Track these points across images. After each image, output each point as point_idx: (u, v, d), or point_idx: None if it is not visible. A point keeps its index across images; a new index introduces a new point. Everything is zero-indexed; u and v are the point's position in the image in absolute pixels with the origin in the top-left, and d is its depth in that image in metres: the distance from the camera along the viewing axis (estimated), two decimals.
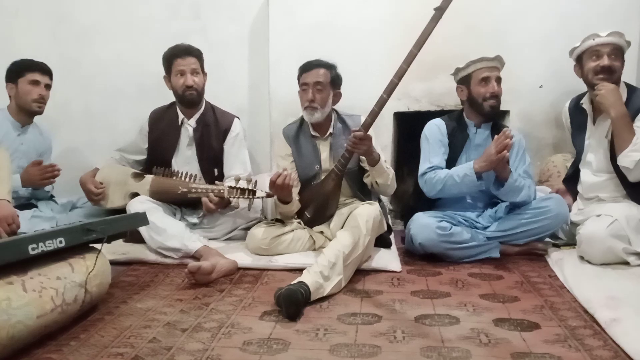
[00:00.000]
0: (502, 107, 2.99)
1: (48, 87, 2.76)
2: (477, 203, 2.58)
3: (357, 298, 1.95)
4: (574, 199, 2.59)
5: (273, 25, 3.11)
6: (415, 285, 2.10)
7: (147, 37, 3.33)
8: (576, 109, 2.59)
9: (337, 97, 2.56)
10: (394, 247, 2.53)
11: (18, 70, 2.70)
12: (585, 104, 2.51)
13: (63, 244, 1.62)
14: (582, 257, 2.26)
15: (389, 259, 2.36)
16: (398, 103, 3.05)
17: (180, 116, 2.75)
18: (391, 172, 2.44)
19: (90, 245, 1.83)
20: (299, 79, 2.53)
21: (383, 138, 3.01)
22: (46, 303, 1.50)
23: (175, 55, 2.64)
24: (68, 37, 3.42)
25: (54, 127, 3.02)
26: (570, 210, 2.50)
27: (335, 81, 2.51)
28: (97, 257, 1.76)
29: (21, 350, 1.45)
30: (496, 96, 2.48)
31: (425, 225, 2.39)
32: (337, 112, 2.61)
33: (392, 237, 2.59)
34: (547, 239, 2.53)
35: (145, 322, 1.71)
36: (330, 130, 2.56)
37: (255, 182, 2.35)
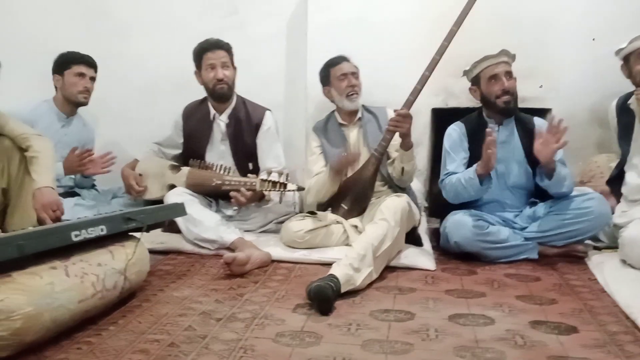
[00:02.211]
0: (543, 105, 2.94)
1: (93, 79, 2.84)
2: (515, 203, 2.53)
3: (390, 295, 1.94)
4: (618, 201, 2.51)
5: (311, 20, 3.11)
6: (450, 284, 2.07)
7: (184, 33, 3.37)
8: (623, 109, 2.51)
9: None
10: (428, 245, 2.51)
11: (65, 62, 2.78)
12: (633, 104, 2.42)
13: (104, 232, 1.68)
14: (624, 261, 2.19)
15: (423, 256, 2.34)
16: (436, 99, 3.02)
17: (212, 112, 2.78)
18: (415, 163, 2.50)
19: (130, 233, 1.88)
20: (328, 75, 2.65)
21: (420, 134, 2.98)
22: (87, 288, 1.55)
23: (205, 49, 2.66)
24: (106, 33, 3.49)
25: (93, 121, 3.10)
26: (613, 212, 2.42)
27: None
28: (136, 245, 1.81)
29: (63, 333, 1.50)
30: (508, 91, 2.43)
31: (461, 224, 2.35)
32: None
33: (426, 234, 2.56)
34: (588, 241, 2.46)
35: (181, 310, 1.74)
36: (358, 115, 2.64)
37: (287, 175, 2.37)
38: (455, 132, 2.55)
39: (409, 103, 2.37)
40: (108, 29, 3.49)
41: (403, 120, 2.31)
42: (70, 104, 2.83)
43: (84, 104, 2.84)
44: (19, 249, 1.39)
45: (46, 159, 2.12)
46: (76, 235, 1.57)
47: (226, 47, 2.69)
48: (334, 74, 2.64)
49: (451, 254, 2.42)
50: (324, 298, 1.74)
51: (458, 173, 2.43)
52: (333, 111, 2.77)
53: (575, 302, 1.88)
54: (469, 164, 2.45)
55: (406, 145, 2.39)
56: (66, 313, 1.47)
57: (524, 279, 2.16)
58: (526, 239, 2.40)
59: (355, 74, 2.63)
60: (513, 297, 1.92)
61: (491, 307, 1.82)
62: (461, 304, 1.86)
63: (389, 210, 2.18)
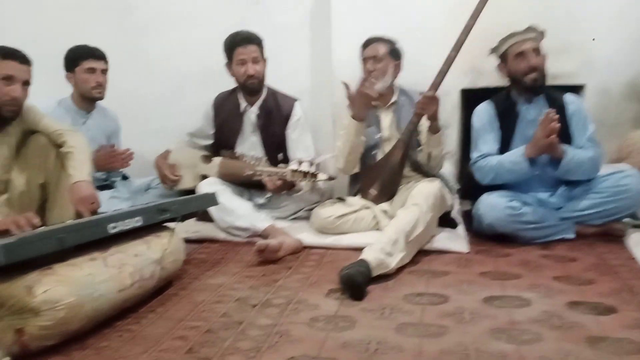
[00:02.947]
0: (577, 82, 2.85)
1: (104, 71, 2.79)
2: (548, 182, 2.47)
3: (423, 278, 1.93)
4: None
5: (335, 6, 3.09)
6: (484, 267, 2.05)
7: (209, 24, 3.38)
8: None
9: (397, 68, 2.59)
10: (460, 227, 2.49)
11: (74, 59, 2.74)
12: None
13: (140, 223, 1.72)
14: None
15: (455, 239, 2.32)
16: (465, 79, 2.97)
17: (243, 104, 2.80)
18: (444, 148, 2.45)
19: (165, 224, 1.92)
20: (361, 56, 2.58)
21: (449, 115, 2.94)
22: (125, 278, 1.59)
23: (236, 44, 2.67)
24: (134, 26, 3.53)
25: (125, 115, 3.14)
26: None
27: (395, 53, 2.57)
28: (171, 235, 1.85)
29: (104, 322, 1.55)
30: (535, 69, 2.37)
31: (494, 205, 2.32)
32: (399, 85, 2.63)
33: (458, 217, 2.54)
34: (626, 219, 2.39)
35: (217, 297, 1.78)
36: (393, 99, 2.58)
37: (318, 165, 2.38)
38: (484, 111, 2.51)
39: (436, 85, 2.34)
40: (134, 23, 3.53)
41: (429, 102, 2.28)
42: (87, 100, 2.81)
43: (100, 98, 2.81)
44: (59, 242, 1.44)
45: (81, 153, 2.17)
46: (113, 227, 1.62)
47: (257, 41, 2.69)
48: (362, 55, 2.59)
49: (484, 236, 2.39)
50: (355, 285, 1.75)
51: (494, 154, 2.39)
52: None
53: (614, 281, 1.84)
54: (502, 144, 2.41)
55: (434, 128, 2.36)
56: (106, 302, 1.51)
57: (560, 259, 2.12)
58: (562, 218, 2.36)
59: (376, 58, 2.51)
60: (549, 278, 1.89)
61: (527, 289, 1.79)
62: (496, 286, 1.84)
63: (421, 195, 2.16)
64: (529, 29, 2.40)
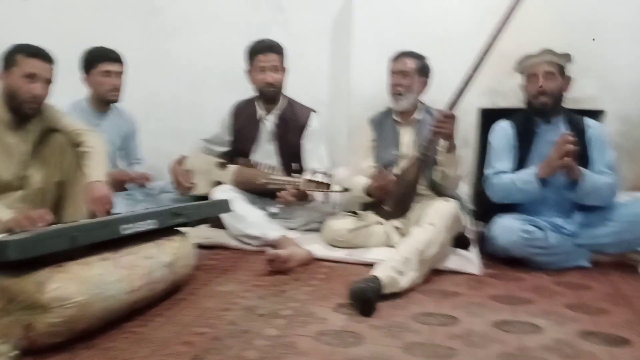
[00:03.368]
0: (597, 107, 2.83)
1: (120, 74, 2.79)
2: (565, 207, 2.44)
3: (433, 298, 1.91)
4: None
5: (357, 17, 3.10)
6: (495, 290, 2.02)
7: (231, 29, 3.43)
8: None
9: (423, 85, 2.58)
10: (473, 248, 2.46)
11: (90, 62, 2.75)
12: None
13: (153, 226, 1.72)
14: None
15: (468, 260, 2.30)
16: (484, 99, 2.96)
17: (260, 111, 2.81)
18: (460, 169, 2.43)
19: (177, 228, 1.92)
20: (388, 69, 2.58)
21: (466, 135, 2.92)
22: (135, 280, 1.59)
23: (257, 51, 2.69)
24: (158, 30, 3.58)
25: (144, 117, 3.17)
26: None
27: (423, 70, 2.56)
28: (183, 240, 1.85)
29: (112, 323, 1.55)
30: (545, 92, 2.36)
31: (508, 228, 2.29)
32: (424, 103, 2.62)
33: (471, 238, 2.51)
34: None
35: (225, 304, 1.77)
36: (415, 116, 2.57)
37: (331, 176, 2.38)
38: (503, 129, 2.50)
39: (453, 104, 2.32)
40: (157, 26, 3.58)
41: (446, 121, 2.27)
42: (102, 102, 2.83)
43: (115, 101, 2.83)
44: (72, 240, 1.45)
45: (98, 154, 2.19)
46: (126, 229, 1.62)
47: (278, 50, 2.71)
48: (390, 68, 2.58)
49: (497, 259, 2.36)
50: (365, 299, 1.73)
51: (507, 172, 2.37)
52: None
53: (629, 313, 1.80)
54: (518, 164, 2.40)
55: (449, 147, 2.35)
56: (115, 303, 1.51)
57: (574, 287, 2.09)
58: (577, 245, 2.32)
59: (404, 73, 2.52)
60: (562, 306, 1.86)
61: (539, 315, 1.76)
62: (507, 310, 1.81)
63: (437, 214, 2.15)
64: (545, 52, 2.39)
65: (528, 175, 2.30)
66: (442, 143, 2.38)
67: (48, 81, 2.11)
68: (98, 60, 2.74)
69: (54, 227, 1.65)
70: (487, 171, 2.46)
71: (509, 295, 1.97)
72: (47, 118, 2.23)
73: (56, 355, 1.37)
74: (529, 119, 2.47)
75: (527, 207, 2.43)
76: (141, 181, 2.77)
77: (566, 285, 2.10)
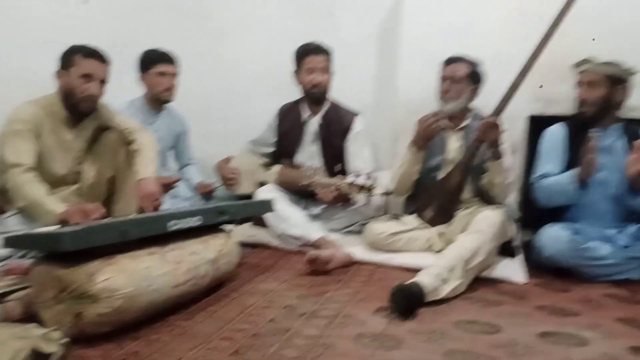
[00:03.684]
0: None
1: (175, 75, 2.88)
2: (616, 215, 2.36)
3: (476, 306, 1.87)
4: None
5: (406, 22, 3.08)
6: (541, 300, 1.97)
7: (280, 35, 3.46)
8: None
9: (474, 92, 2.53)
10: (519, 257, 2.40)
11: (146, 62, 2.85)
12: None
13: (199, 223, 1.76)
14: None
15: (513, 269, 2.24)
16: (535, 106, 2.88)
17: (305, 113, 2.84)
18: (509, 177, 2.37)
19: (222, 226, 1.96)
20: (440, 73, 2.54)
21: (514, 142, 2.85)
22: (181, 275, 1.63)
23: (307, 53, 2.72)
24: (210, 34, 3.66)
25: (195, 118, 3.24)
26: None
27: (475, 77, 2.50)
28: (227, 237, 1.89)
29: (157, 315, 1.59)
30: (585, 102, 2.32)
31: (556, 237, 2.23)
32: (474, 108, 2.57)
33: (517, 246, 2.45)
34: None
35: (266, 302, 1.80)
36: (464, 123, 2.52)
37: (375, 179, 2.37)
38: (554, 132, 2.45)
39: (498, 110, 2.27)
40: (207, 31, 3.66)
41: (490, 128, 2.23)
42: (157, 102, 2.92)
43: (169, 101, 2.91)
44: (122, 234, 1.50)
45: (149, 151, 2.26)
46: (173, 225, 1.67)
47: (326, 52, 2.74)
48: (441, 73, 2.53)
49: (544, 269, 2.29)
50: (406, 296, 1.72)
51: (553, 175, 2.32)
52: None
53: None
54: (567, 168, 2.33)
55: (494, 155, 2.30)
56: (161, 296, 1.56)
57: (624, 300, 2.01)
58: (629, 258, 2.23)
59: (454, 79, 2.46)
60: (611, 319, 1.79)
61: (586, 328, 1.70)
62: (553, 321, 1.76)
63: (485, 222, 2.11)
64: (583, 61, 2.34)
65: (568, 176, 2.24)
66: (486, 150, 2.33)
67: (103, 81, 2.19)
68: (154, 61, 2.83)
69: (106, 220, 1.71)
70: (535, 174, 2.41)
71: (555, 306, 1.91)
72: (101, 116, 2.32)
73: (103, 344, 1.42)
74: (584, 124, 2.40)
75: (577, 216, 2.36)
76: (170, 185, 2.81)
77: (616, 298, 2.02)
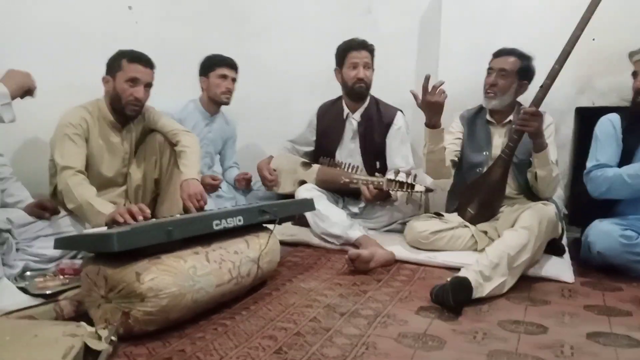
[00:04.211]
0: None
1: (234, 80, 2.99)
2: None
3: (521, 305, 1.83)
4: None
5: (445, 16, 3.04)
6: (590, 299, 1.91)
7: (319, 33, 3.47)
8: None
9: (523, 88, 2.45)
10: (566, 255, 2.33)
11: (210, 64, 2.96)
12: None
13: (241, 222, 1.79)
14: None
15: (560, 267, 2.18)
16: (581, 97, 2.80)
17: (346, 110, 2.84)
18: (555, 170, 2.29)
19: (264, 225, 1.99)
20: (489, 63, 2.47)
21: (561, 136, 2.77)
22: (224, 274, 1.67)
23: (351, 48, 2.72)
24: (249, 35, 3.70)
25: (236, 119, 3.30)
26: None
27: (524, 72, 2.41)
28: (269, 236, 1.91)
29: (201, 314, 1.63)
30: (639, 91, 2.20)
31: (606, 233, 2.15)
32: (520, 103, 2.50)
33: (565, 244, 2.38)
34: None
35: (308, 301, 1.81)
36: (510, 118, 2.46)
37: (415, 176, 2.35)
38: (609, 122, 2.35)
39: (538, 100, 2.18)
40: (248, 32, 3.70)
41: (531, 118, 2.15)
42: (214, 104, 3.01)
43: (226, 103, 3.01)
44: (168, 234, 1.54)
45: (193, 153, 2.31)
46: (217, 224, 1.70)
47: (370, 49, 2.75)
48: (489, 64, 2.47)
49: (592, 267, 2.23)
50: (464, 287, 1.72)
51: (612, 167, 2.24)
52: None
53: None
54: (621, 159, 2.25)
55: (537, 146, 2.24)
56: (205, 295, 1.59)
57: None
58: None
59: (504, 71, 2.38)
60: None
61: (638, 329, 1.64)
62: (602, 321, 1.70)
63: (533, 219, 2.05)
64: (638, 51, 2.23)
65: (636, 169, 2.15)
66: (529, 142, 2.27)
67: (149, 85, 2.25)
68: (218, 64, 2.94)
69: (152, 221, 1.76)
70: (590, 163, 2.32)
71: (604, 305, 1.85)
72: (147, 119, 2.39)
73: (150, 342, 1.47)
74: (637, 115, 2.31)
75: (628, 211, 2.27)
76: (215, 185, 2.87)
77: None
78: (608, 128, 2.34)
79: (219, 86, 2.93)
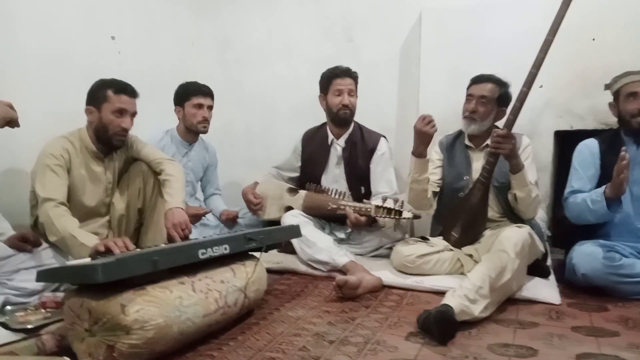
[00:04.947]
0: None
1: (210, 108, 2.96)
2: None
3: (510, 328, 1.83)
4: None
5: (425, 43, 3.10)
6: (577, 321, 1.92)
7: (301, 60, 3.53)
8: None
9: (501, 114, 2.48)
10: (552, 277, 2.35)
11: (184, 94, 2.92)
12: None
13: (227, 251, 1.77)
14: None
15: (546, 289, 2.19)
16: (559, 121, 2.86)
17: (330, 136, 2.86)
18: (535, 191, 2.32)
19: (250, 253, 1.97)
20: (467, 89, 2.51)
21: (542, 158, 2.82)
22: (211, 304, 1.64)
23: (335, 75, 2.76)
24: (232, 61, 3.75)
25: (219, 145, 3.30)
26: None
27: (503, 99, 2.46)
28: (256, 264, 1.90)
29: (188, 346, 1.60)
30: None
31: (589, 255, 2.17)
32: (497, 127, 2.53)
33: (549, 265, 2.40)
34: None
35: (296, 330, 1.79)
36: (488, 142, 2.48)
37: (402, 202, 2.36)
38: (586, 147, 2.41)
39: (509, 122, 2.22)
40: (234, 58, 3.75)
41: (503, 141, 2.19)
42: (192, 133, 2.98)
43: (204, 132, 2.98)
44: (153, 265, 1.51)
45: (177, 182, 2.29)
46: (203, 253, 1.68)
47: (354, 76, 2.80)
48: (469, 91, 2.50)
49: (578, 288, 2.24)
50: (449, 320, 1.69)
51: (584, 192, 2.28)
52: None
53: None
54: (600, 184, 2.29)
55: (514, 167, 2.27)
56: (192, 326, 1.56)
57: None
58: None
59: (484, 98, 2.42)
60: None
61: (626, 348, 1.65)
62: (590, 342, 1.71)
63: (508, 241, 2.07)
64: (627, 73, 2.29)
65: (597, 194, 2.20)
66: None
67: (134, 114, 2.25)
68: (192, 93, 2.91)
69: (137, 251, 1.73)
70: (566, 190, 2.38)
71: (591, 326, 1.86)
72: (131, 148, 2.38)
73: None
74: (617, 139, 2.36)
75: (610, 233, 2.31)
76: (200, 216, 2.84)
77: None
78: (584, 154, 2.39)
79: (195, 116, 2.91)
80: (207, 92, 2.94)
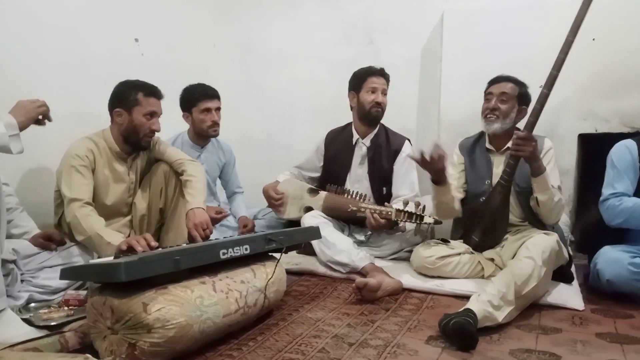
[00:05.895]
0: None
1: (218, 109, 2.90)
2: None
3: (532, 334, 1.80)
4: None
5: (446, 45, 3.09)
6: (601, 327, 1.88)
7: (322, 63, 3.53)
8: None
9: (522, 113, 2.44)
10: (575, 282, 2.31)
11: (190, 100, 2.86)
12: None
13: (248, 251, 1.78)
14: None
15: (569, 295, 2.15)
16: (583, 124, 2.81)
17: (355, 135, 2.86)
18: (557, 195, 2.26)
19: (270, 254, 1.98)
20: (485, 91, 2.47)
21: (565, 162, 2.78)
22: (231, 304, 1.65)
23: (370, 74, 2.77)
24: (253, 65, 3.77)
25: (239, 147, 3.30)
26: None
27: (523, 97, 2.42)
28: (275, 265, 1.90)
29: (208, 345, 1.61)
30: None
31: (615, 260, 2.13)
32: (518, 129, 2.49)
33: (573, 271, 2.36)
34: None
35: (315, 332, 1.78)
36: (508, 145, 2.43)
37: (424, 207, 2.34)
38: (626, 149, 2.31)
39: (530, 124, 2.19)
40: (255, 62, 3.77)
41: (524, 143, 2.15)
42: (202, 137, 2.95)
43: (215, 136, 2.95)
44: (175, 264, 1.53)
45: (198, 182, 2.31)
46: (224, 254, 1.69)
47: (387, 77, 2.81)
48: (488, 90, 2.46)
49: (602, 294, 2.20)
50: (467, 333, 1.66)
51: (629, 195, 2.21)
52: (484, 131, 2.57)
53: None
54: (638, 186, 2.23)
55: (535, 170, 2.22)
56: (212, 326, 1.57)
57: None
58: None
59: (505, 95, 2.38)
60: None
61: None
62: (615, 349, 1.68)
63: (536, 248, 2.03)
64: None
65: None
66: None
67: (160, 116, 2.28)
68: (198, 99, 2.84)
69: (159, 251, 1.75)
70: (606, 191, 2.28)
71: (616, 333, 1.82)
72: (153, 149, 2.40)
73: None
74: None
75: (635, 237, 2.25)
76: (220, 216, 2.80)
77: None
78: (625, 155, 2.30)
79: (204, 121, 2.85)
80: (213, 94, 2.87)
